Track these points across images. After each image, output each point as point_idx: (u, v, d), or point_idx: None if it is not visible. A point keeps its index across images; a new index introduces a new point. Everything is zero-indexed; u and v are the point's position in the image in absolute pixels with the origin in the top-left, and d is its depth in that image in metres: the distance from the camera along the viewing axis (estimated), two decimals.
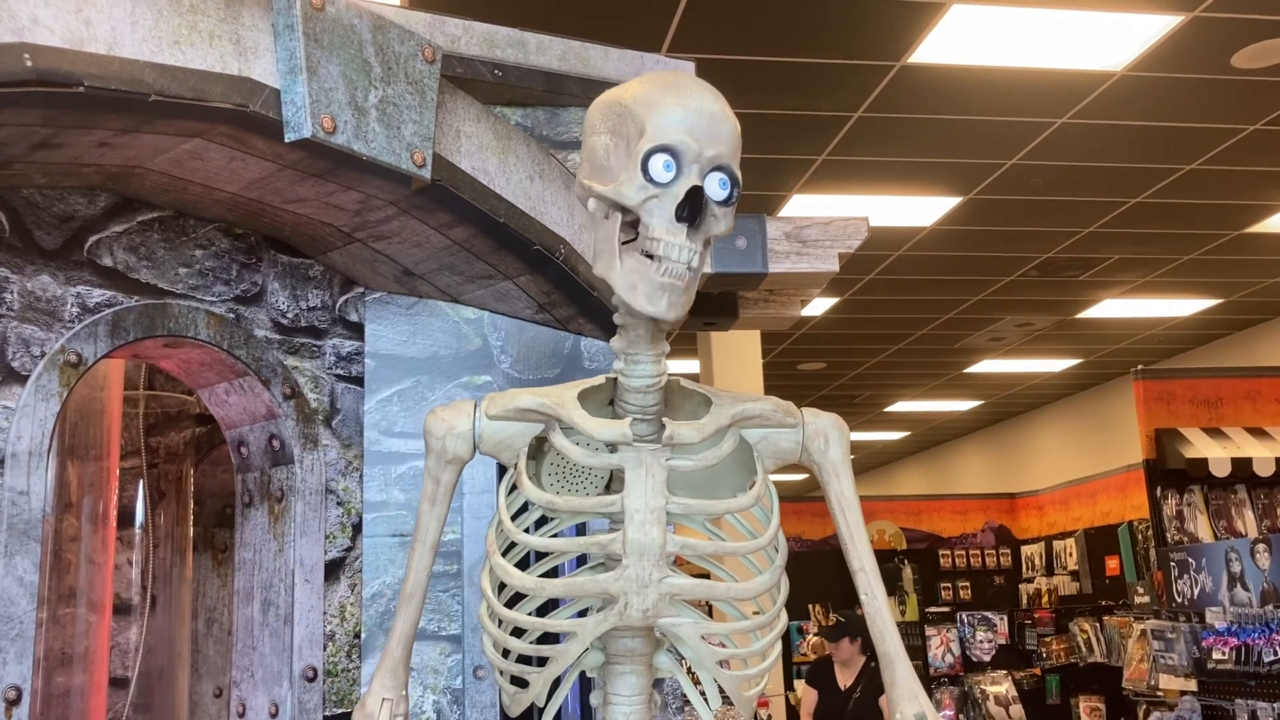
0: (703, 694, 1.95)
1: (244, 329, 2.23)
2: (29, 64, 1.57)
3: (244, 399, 2.29)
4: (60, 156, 1.88)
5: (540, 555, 1.94)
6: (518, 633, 1.87)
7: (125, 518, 2.97)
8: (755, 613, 1.92)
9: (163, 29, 1.72)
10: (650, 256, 1.61)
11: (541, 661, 1.84)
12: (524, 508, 1.89)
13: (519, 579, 1.79)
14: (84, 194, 2.07)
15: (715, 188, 1.63)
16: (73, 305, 2.02)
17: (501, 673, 1.90)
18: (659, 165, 1.60)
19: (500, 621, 1.84)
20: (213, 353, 2.20)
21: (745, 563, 1.94)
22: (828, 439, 1.90)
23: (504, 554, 1.84)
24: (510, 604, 1.85)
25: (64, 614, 2.60)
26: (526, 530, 1.86)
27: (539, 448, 1.89)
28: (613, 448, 1.78)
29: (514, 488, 1.85)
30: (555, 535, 1.91)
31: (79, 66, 1.62)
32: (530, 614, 1.86)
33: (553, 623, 1.82)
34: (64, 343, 1.98)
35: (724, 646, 1.91)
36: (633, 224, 1.65)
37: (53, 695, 2.52)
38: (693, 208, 1.59)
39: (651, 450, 1.75)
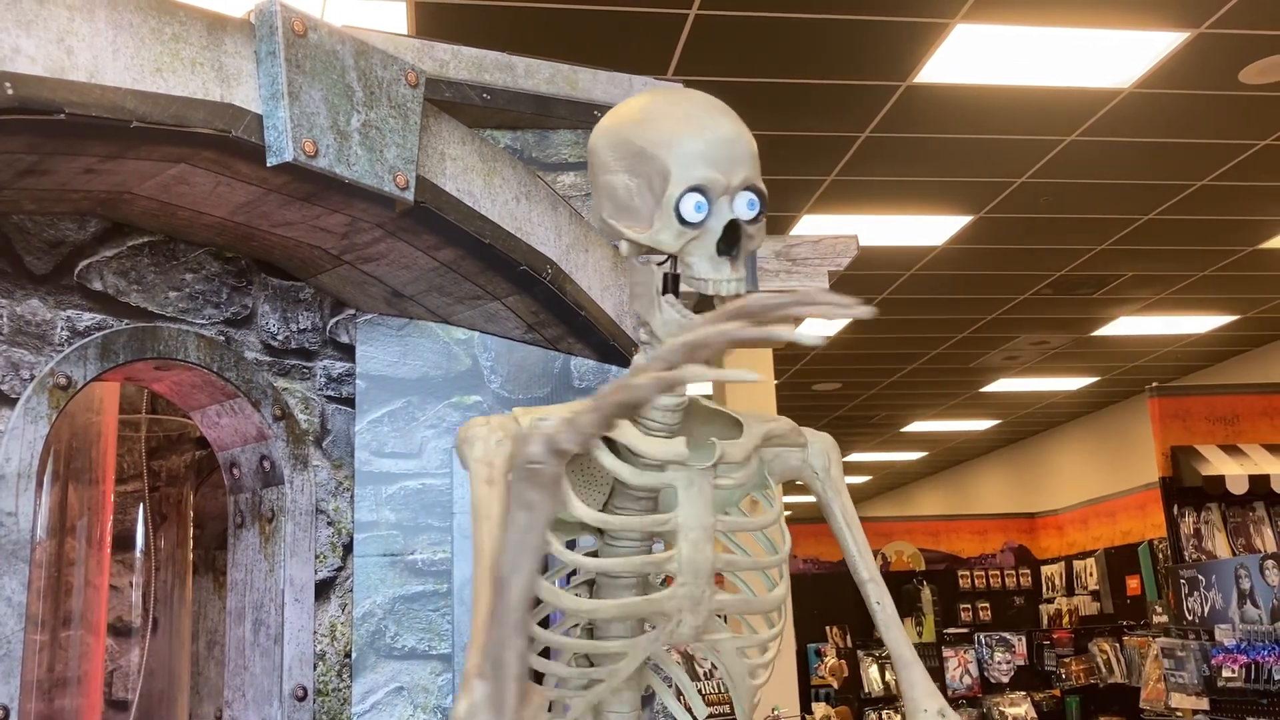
0: (688, 710, 1.96)
1: (234, 351, 2.26)
2: (10, 92, 1.60)
3: (235, 420, 2.32)
4: (48, 183, 1.91)
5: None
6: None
7: (126, 541, 2.99)
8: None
9: (145, 57, 1.75)
10: (673, 293, 1.65)
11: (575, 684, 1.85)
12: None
13: (571, 602, 1.79)
14: (74, 220, 2.10)
15: (745, 209, 1.65)
16: (62, 329, 2.05)
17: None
18: (690, 207, 1.62)
19: (542, 646, 1.84)
20: (203, 375, 2.23)
21: (763, 576, 1.96)
22: (829, 456, 1.98)
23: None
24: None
25: (63, 637, 2.62)
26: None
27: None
28: (661, 467, 1.78)
29: None
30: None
31: (60, 94, 1.65)
32: (578, 637, 1.87)
33: (606, 645, 1.82)
34: (53, 366, 2.01)
35: (752, 658, 1.93)
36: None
37: (51, 717, 2.54)
38: (730, 239, 1.62)
39: (700, 469, 1.76)
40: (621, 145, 1.70)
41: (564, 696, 1.85)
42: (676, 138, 1.64)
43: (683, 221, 1.62)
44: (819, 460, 1.95)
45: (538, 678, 1.91)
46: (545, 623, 1.88)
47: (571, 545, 2.18)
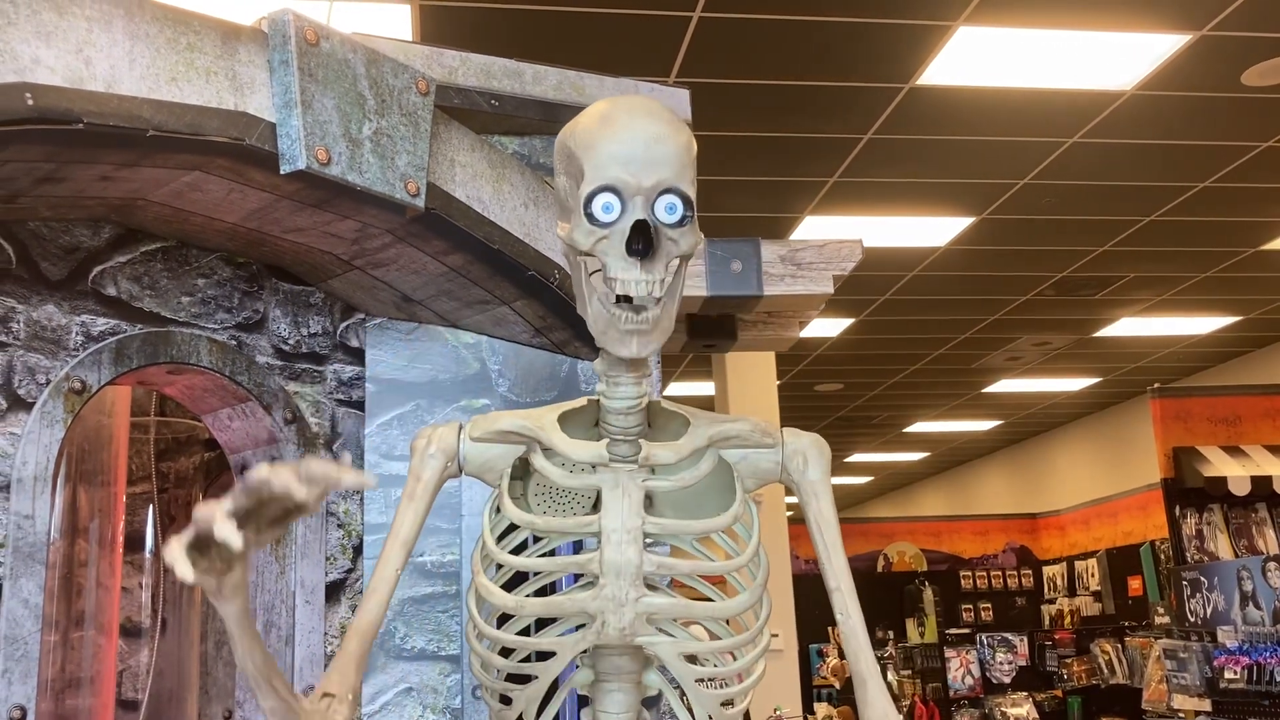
0: (689, 711, 1.97)
1: (246, 355, 2.28)
2: (30, 103, 1.63)
3: (246, 424, 2.34)
4: (63, 190, 1.93)
5: (525, 575, 1.97)
6: (505, 651, 1.89)
7: (136, 542, 3.02)
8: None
9: (160, 66, 1.77)
10: (615, 300, 1.63)
11: (525, 679, 1.87)
12: (509, 529, 1.92)
13: (501, 598, 1.82)
14: (88, 226, 2.13)
15: (664, 213, 1.62)
16: (77, 334, 2.07)
17: (488, 690, 1.93)
18: (600, 207, 1.61)
19: (485, 640, 1.87)
20: (215, 379, 2.25)
21: (728, 581, 1.96)
22: (806, 459, 1.91)
23: (489, 574, 1.87)
24: (498, 623, 1.88)
25: (74, 637, 2.65)
26: (514, 551, 1.88)
27: (524, 469, 1.92)
28: (592, 468, 1.81)
29: (498, 509, 1.88)
30: (544, 554, 1.93)
31: (78, 104, 1.67)
32: (515, 633, 1.88)
33: (532, 641, 1.84)
34: (68, 370, 2.03)
35: (704, 665, 1.92)
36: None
37: (63, 717, 2.56)
38: (644, 241, 1.60)
39: (628, 471, 1.77)
40: (561, 150, 1.73)
41: (510, 691, 1.86)
42: (595, 140, 1.64)
43: (592, 221, 1.62)
44: (794, 462, 1.89)
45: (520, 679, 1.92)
46: (501, 622, 1.89)
47: (578, 547, 2.21)
